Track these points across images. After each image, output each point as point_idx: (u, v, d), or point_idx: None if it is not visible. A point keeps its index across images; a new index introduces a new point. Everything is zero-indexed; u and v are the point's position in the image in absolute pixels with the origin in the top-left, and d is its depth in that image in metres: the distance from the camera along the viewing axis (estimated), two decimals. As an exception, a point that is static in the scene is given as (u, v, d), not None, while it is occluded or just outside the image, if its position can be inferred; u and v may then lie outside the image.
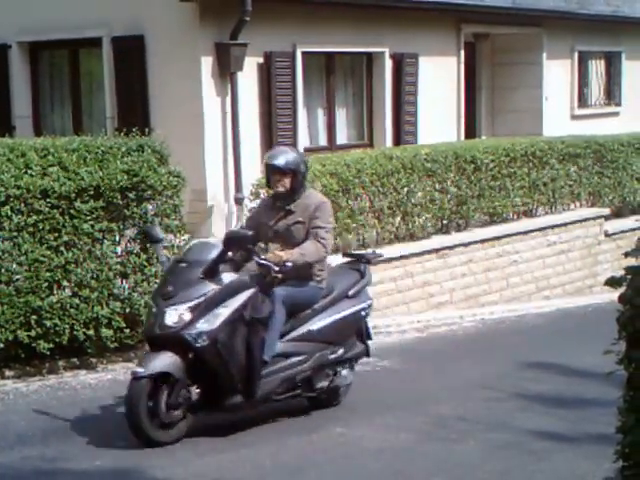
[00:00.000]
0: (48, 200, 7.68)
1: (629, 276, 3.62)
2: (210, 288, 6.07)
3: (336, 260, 7.80)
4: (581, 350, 8.94)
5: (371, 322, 9.93)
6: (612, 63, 18.72)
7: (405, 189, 11.08)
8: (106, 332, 7.92)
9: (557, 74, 16.94)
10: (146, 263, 8.24)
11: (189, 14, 11.37)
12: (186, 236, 8.60)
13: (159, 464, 5.75)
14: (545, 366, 8.29)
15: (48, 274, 7.67)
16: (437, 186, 11.53)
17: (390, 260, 10.55)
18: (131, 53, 11.88)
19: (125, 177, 8.00)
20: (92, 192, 7.85)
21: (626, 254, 3.71)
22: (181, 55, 11.52)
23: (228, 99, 11.64)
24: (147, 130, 9.00)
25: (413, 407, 7.06)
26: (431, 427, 6.61)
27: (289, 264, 6.28)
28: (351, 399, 7.19)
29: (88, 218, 7.84)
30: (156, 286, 6.94)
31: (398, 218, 11.07)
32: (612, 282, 3.68)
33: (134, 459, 5.84)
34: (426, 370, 8.25)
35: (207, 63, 11.43)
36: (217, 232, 11.87)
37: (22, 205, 7.62)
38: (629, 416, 3.65)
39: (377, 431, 6.48)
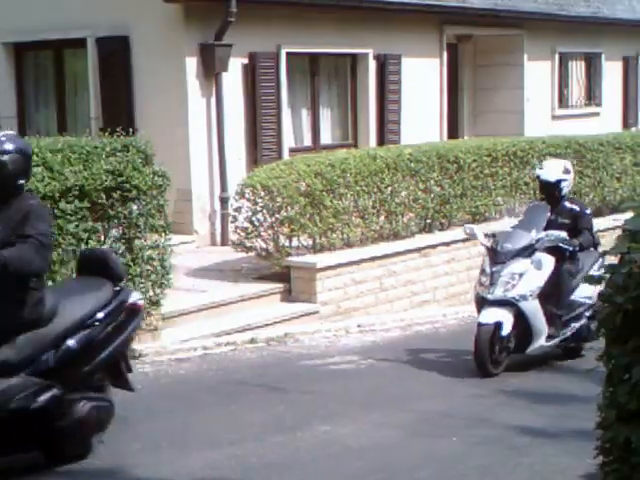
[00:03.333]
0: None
1: (608, 274, 3.68)
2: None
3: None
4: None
5: (355, 320, 10.07)
6: (592, 64, 18.86)
7: (389, 189, 11.14)
8: (91, 331, 7.92)
9: (538, 75, 17.07)
10: (131, 263, 8.24)
11: (174, 15, 11.41)
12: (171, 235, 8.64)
13: (143, 463, 5.76)
14: (526, 363, 8.36)
15: (33, 274, 7.67)
16: (420, 186, 11.60)
17: (374, 259, 10.63)
18: (116, 54, 11.91)
19: (110, 177, 8.00)
20: (77, 192, 7.83)
21: (604, 252, 3.77)
22: (166, 56, 11.56)
23: (213, 99, 11.69)
24: (132, 130, 9.01)
25: (397, 404, 7.08)
26: (415, 424, 6.64)
27: None
28: (336, 397, 7.24)
29: (73, 218, 7.82)
30: None
31: (382, 217, 11.13)
32: (591, 280, 3.74)
33: (118, 458, 5.83)
34: (410, 367, 8.28)
35: (192, 64, 11.48)
36: (200, 231, 11.94)
37: (7, 205, 7.62)
38: (609, 412, 3.67)
39: (362, 428, 6.50)
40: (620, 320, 3.55)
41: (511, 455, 5.99)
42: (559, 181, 8.44)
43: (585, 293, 8.42)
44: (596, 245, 8.79)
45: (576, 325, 8.45)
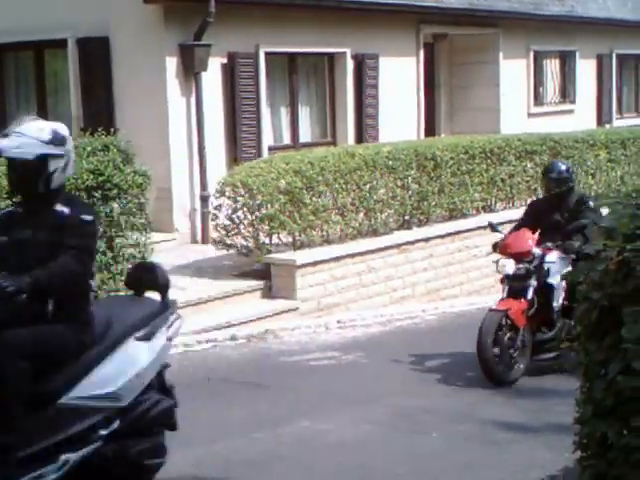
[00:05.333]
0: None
1: (585, 271, 3.75)
2: None
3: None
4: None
5: (335, 316, 10.13)
6: (567, 62, 18.99)
7: (367, 186, 11.23)
8: (73, 330, 7.96)
9: (513, 73, 17.20)
10: (112, 261, 8.29)
11: (153, 15, 11.42)
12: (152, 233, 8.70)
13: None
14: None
15: (16, 273, 7.70)
16: (398, 183, 11.68)
17: (353, 256, 10.71)
18: (96, 54, 11.92)
19: (91, 176, 8.06)
20: (58, 192, 7.89)
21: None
22: (146, 56, 11.57)
23: (192, 99, 11.71)
24: (112, 130, 9.05)
25: (377, 400, 7.12)
26: (394, 419, 6.70)
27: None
28: (316, 393, 7.30)
29: (55, 217, 7.87)
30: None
31: (361, 214, 11.21)
32: (569, 277, 3.81)
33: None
34: (390, 363, 8.32)
35: (171, 64, 11.50)
36: (181, 229, 11.98)
37: (-11, 205, 7.64)
38: (586, 407, 3.73)
39: (342, 424, 6.54)
40: (596, 317, 3.62)
41: (491, 450, 6.05)
42: (46, 157, 4.54)
43: (96, 390, 4.49)
44: (165, 288, 4.95)
45: (72, 456, 4.39)
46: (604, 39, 19.48)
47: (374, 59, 14.19)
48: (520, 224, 8.54)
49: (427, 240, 11.77)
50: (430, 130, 16.05)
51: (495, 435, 6.35)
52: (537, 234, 8.24)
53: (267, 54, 12.62)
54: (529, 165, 13.82)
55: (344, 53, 13.80)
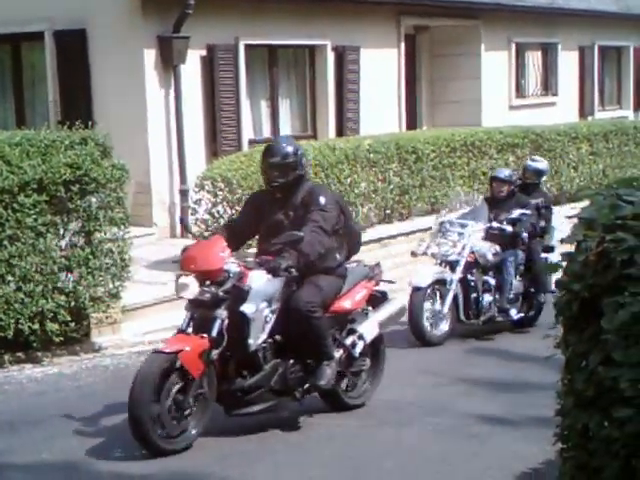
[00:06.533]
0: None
1: (565, 262, 3.73)
2: None
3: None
4: (521, 335, 9.16)
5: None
6: (548, 54, 19.01)
7: (348, 180, 11.19)
8: (51, 326, 7.91)
9: (495, 65, 17.20)
10: (90, 256, 8.23)
11: (131, 7, 11.36)
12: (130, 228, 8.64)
13: (109, 456, 5.76)
14: (486, 351, 8.44)
15: (-8, 268, 7.64)
16: (380, 176, 11.66)
17: (334, 250, 10.66)
18: (73, 47, 11.85)
19: (68, 170, 7.99)
20: (35, 186, 7.82)
21: (563, 240, 3.83)
22: (124, 48, 11.50)
23: (171, 91, 11.65)
24: (90, 123, 8.98)
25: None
26: (378, 413, 6.69)
27: None
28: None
29: (31, 212, 7.81)
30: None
31: (342, 208, 11.17)
32: (548, 268, 3.79)
33: (80, 453, 5.83)
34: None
35: (150, 56, 11.43)
36: (160, 223, 11.90)
37: (-35, 200, 7.56)
38: (567, 399, 3.72)
39: (328, 418, 6.53)
40: (577, 308, 3.60)
41: (472, 443, 6.06)
42: None
43: None
44: None
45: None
46: (586, 31, 19.51)
47: (355, 51, 14.15)
48: (229, 224, 6.89)
49: (408, 234, 11.74)
50: (411, 123, 16.03)
51: (476, 428, 6.35)
52: (257, 238, 6.48)
53: (247, 46, 12.56)
54: (511, 158, 13.83)
55: (325, 45, 13.75)
